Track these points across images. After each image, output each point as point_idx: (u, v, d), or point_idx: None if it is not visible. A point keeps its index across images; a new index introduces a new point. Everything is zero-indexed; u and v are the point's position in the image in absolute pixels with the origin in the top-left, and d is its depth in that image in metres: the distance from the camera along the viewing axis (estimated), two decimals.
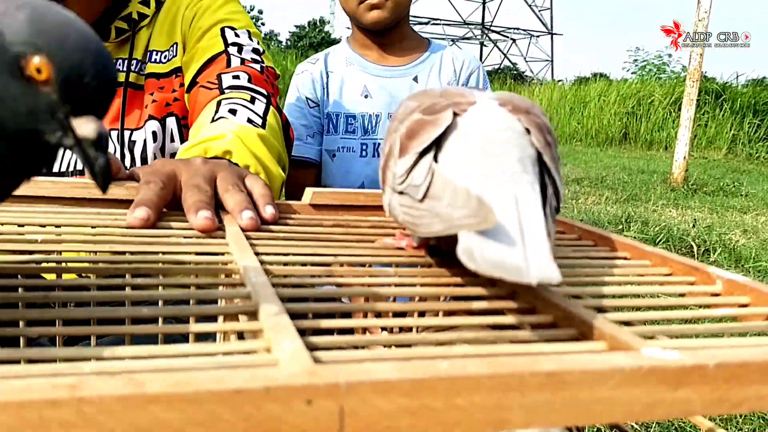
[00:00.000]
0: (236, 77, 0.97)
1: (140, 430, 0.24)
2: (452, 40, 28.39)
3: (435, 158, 0.42)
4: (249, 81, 0.97)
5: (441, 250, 0.50)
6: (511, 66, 28.73)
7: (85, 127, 0.27)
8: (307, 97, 1.39)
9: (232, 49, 1.01)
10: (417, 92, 0.51)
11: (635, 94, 10.80)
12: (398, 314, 0.42)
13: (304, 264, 0.46)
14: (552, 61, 28.69)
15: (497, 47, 28.76)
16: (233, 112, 0.89)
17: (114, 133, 1.00)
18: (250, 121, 0.87)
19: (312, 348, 0.30)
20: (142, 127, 1.01)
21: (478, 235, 0.36)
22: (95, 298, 0.35)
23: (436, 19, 27.39)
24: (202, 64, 1.00)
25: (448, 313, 0.41)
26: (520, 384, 0.28)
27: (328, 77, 1.41)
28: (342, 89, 1.40)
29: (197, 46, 1.02)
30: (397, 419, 0.27)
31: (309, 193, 0.64)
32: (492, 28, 29.01)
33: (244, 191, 0.57)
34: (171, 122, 1.03)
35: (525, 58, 29.71)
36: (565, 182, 5.29)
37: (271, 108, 0.94)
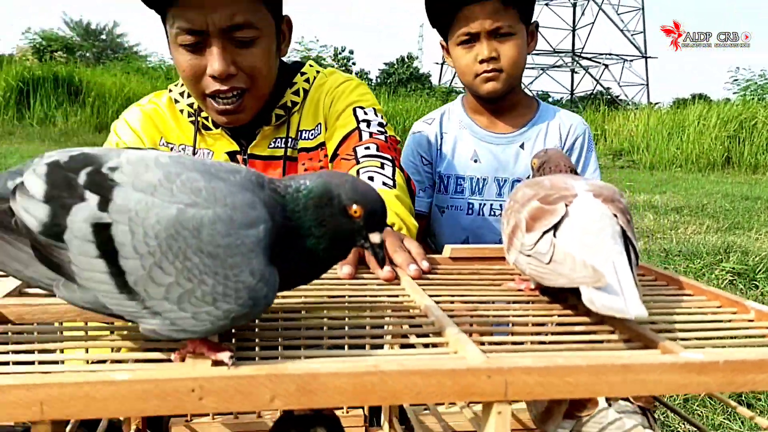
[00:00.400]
0: (367, 148, 1.22)
1: (407, 387, 0.48)
2: (542, 69, 28.26)
3: (555, 235, 0.65)
4: (377, 150, 1.22)
5: (549, 291, 0.72)
6: (604, 91, 28.20)
7: (374, 237, 0.53)
8: (421, 156, 1.57)
9: (363, 125, 1.27)
10: (530, 181, 0.75)
11: (737, 116, 10.45)
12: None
13: (458, 302, 0.69)
14: (647, 84, 27.99)
15: (589, 73, 28.35)
16: (371, 179, 1.14)
17: (258, 173, 1.28)
18: (384, 184, 1.13)
19: (483, 351, 0.53)
20: None
21: (595, 289, 0.59)
22: (347, 324, 0.61)
23: None
24: (341, 139, 1.26)
25: (558, 333, 0.63)
26: (605, 370, 0.50)
27: (442, 138, 1.58)
28: (454, 151, 1.56)
29: (336, 124, 1.29)
30: (535, 388, 0.49)
31: (448, 249, 0.88)
32: (583, 54, 28.67)
33: (406, 250, 0.82)
34: None
35: (619, 83, 29.12)
36: (664, 211, 5.22)
37: (397, 169, 1.19)
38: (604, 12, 27.24)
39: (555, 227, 0.65)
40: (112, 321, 0.59)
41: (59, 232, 0.46)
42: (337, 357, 0.51)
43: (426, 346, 0.61)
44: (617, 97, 27.69)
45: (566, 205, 0.66)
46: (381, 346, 0.64)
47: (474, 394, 0.49)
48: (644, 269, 0.85)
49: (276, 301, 0.61)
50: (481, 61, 1.46)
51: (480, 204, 1.54)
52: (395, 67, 31.85)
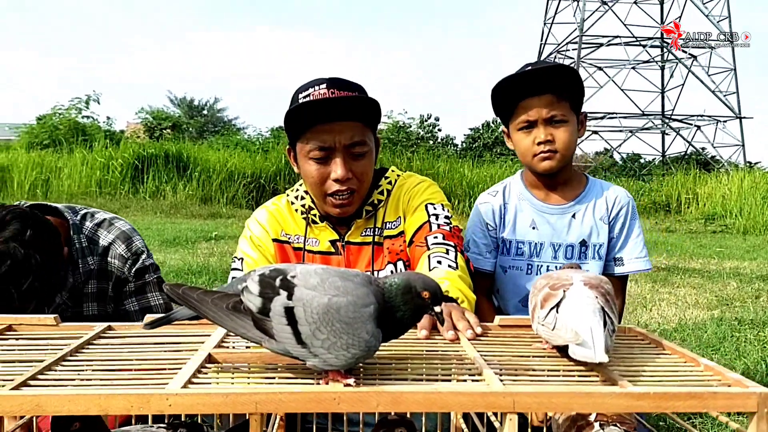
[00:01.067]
0: (436, 237, 1.58)
1: (456, 401, 0.82)
2: (630, 131, 27.94)
3: (557, 311, 0.98)
4: (443, 239, 1.57)
5: (561, 350, 1.05)
6: (698, 152, 27.49)
7: (437, 308, 0.89)
8: (486, 223, 1.84)
9: (432, 218, 1.63)
10: (547, 274, 1.09)
11: None
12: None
13: (500, 355, 1.03)
14: (743, 145, 27.09)
15: (680, 135, 27.78)
16: (439, 262, 1.50)
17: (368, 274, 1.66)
18: (449, 266, 1.48)
19: (503, 381, 0.86)
20: (383, 268, 1.66)
21: (576, 345, 0.92)
22: (424, 366, 0.96)
23: (612, 113, 27.30)
24: (416, 230, 1.63)
25: (562, 375, 0.96)
26: (576, 395, 0.83)
27: (505, 209, 1.84)
28: (515, 219, 1.82)
29: (412, 217, 1.66)
30: (532, 405, 0.83)
31: (497, 319, 1.22)
32: (673, 116, 28.21)
33: (466, 320, 1.16)
34: (400, 264, 1.67)
35: (713, 144, 28.32)
36: (749, 279, 5.22)
37: (459, 254, 1.54)
38: (693, 74, 26.89)
39: (557, 306, 0.99)
40: (278, 361, 0.97)
41: (267, 312, 0.85)
42: (415, 384, 0.87)
43: (473, 381, 0.95)
44: (712, 158, 26.95)
45: (564, 291, 1.00)
46: (449, 381, 0.98)
47: (495, 407, 0.83)
48: (641, 335, 1.16)
49: (379, 351, 0.97)
50: (539, 143, 1.72)
51: (538, 265, 1.80)
52: (480, 131, 32.31)
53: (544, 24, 28.95)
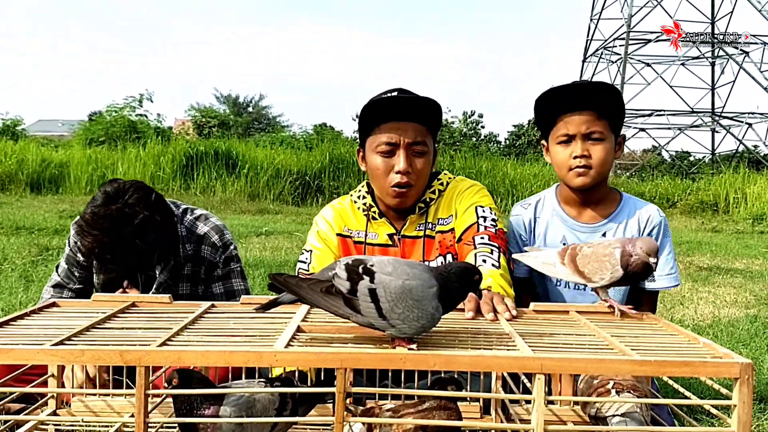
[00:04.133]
0: (482, 238, 1.80)
1: (495, 363, 1.05)
2: (679, 129, 27.47)
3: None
4: (489, 239, 1.79)
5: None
6: (749, 151, 26.88)
7: (481, 286, 1.13)
8: (519, 234, 1.93)
9: (481, 220, 1.85)
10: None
11: None
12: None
13: (531, 332, 1.26)
14: None
15: (730, 133, 27.18)
16: (484, 261, 1.72)
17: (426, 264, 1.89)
18: (493, 265, 1.70)
19: (533, 350, 1.09)
20: (434, 259, 1.89)
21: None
22: (469, 339, 1.19)
23: (660, 110, 26.86)
24: (465, 229, 1.85)
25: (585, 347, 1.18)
26: (593, 362, 1.05)
27: (535, 222, 1.91)
28: (546, 233, 1.90)
29: (462, 217, 1.88)
30: (554, 368, 1.05)
31: (532, 305, 1.44)
32: (723, 114, 27.63)
33: (504, 304, 1.39)
34: (448, 257, 1.89)
35: (764, 142, 27.65)
36: None
37: (501, 254, 1.75)
38: (745, 70, 26.31)
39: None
40: (352, 332, 1.21)
41: (354, 292, 1.09)
42: (464, 350, 1.10)
43: (508, 349, 1.18)
44: (764, 156, 26.31)
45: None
46: (490, 349, 1.21)
47: (526, 369, 1.06)
48: (656, 320, 1.37)
49: (435, 327, 1.20)
50: (575, 157, 1.76)
51: (566, 281, 1.80)
52: (525, 128, 32.12)
53: (591, 19, 28.66)
